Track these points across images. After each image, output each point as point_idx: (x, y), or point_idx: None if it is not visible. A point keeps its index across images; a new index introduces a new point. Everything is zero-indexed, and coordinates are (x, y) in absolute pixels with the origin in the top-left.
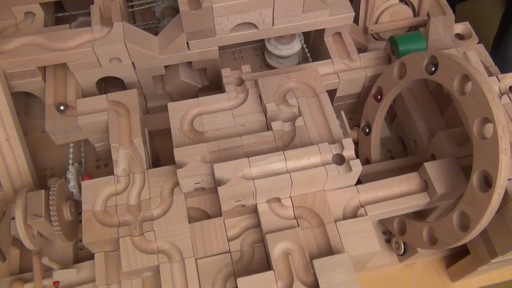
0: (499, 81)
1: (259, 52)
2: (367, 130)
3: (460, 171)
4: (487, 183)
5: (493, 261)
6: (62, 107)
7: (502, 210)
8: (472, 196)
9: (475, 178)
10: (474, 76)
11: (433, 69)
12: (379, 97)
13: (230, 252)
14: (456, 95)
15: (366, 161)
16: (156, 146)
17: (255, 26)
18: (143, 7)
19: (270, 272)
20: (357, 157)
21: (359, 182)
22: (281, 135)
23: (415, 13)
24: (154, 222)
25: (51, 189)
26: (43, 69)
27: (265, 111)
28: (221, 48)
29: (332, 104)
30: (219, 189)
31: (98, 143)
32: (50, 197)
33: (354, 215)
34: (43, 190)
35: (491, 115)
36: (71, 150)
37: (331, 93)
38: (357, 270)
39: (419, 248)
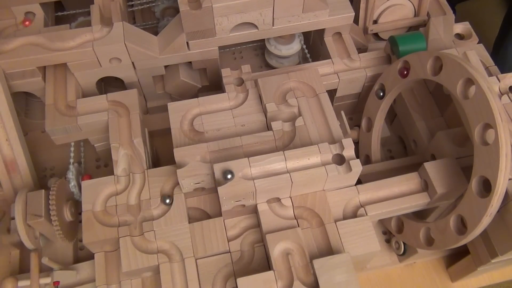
0: (499, 81)
1: (259, 52)
2: (381, 94)
3: (460, 171)
4: (464, 226)
5: (493, 261)
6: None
7: (502, 210)
8: (445, 228)
9: (452, 220)
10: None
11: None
12: (405, 72)
13: (230, 252)
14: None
15: (368, 120)
16: (156, 146)
17: (255, 26)
18: (143, 6)
19: (270, 272)
20: (362, 114)
21: (359, 182)
22: (281, 135)
23: (415, 13)
24: (154, 222)
25: (51, 189)
26: (43, 69)
27: (265, 111)
28: (221, 48)
29: (332, 104)
30: (219, 189)
31: (98, 143)
32: (50, 197)
33: (354, 215)
34: (43, 190)
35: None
36: (72, 149)
37: (331, 93)
38: (357, 270)
39: (419, 248)
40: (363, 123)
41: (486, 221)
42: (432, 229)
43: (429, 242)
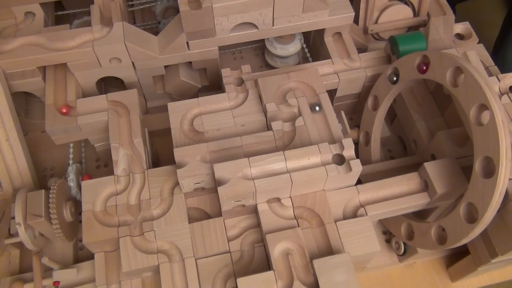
0: (499, 81)
1: (259, 52)
2: (394, 79)
3: (460, 171)
4: (445, 235)
5: (493, 261)
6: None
7: (502, 210)
8: (426, 232)
9: (434, 228)
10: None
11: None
12: (424, 68)
13: (230, 252)
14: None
15: (374, 99)
16: (156, 146)
17: (255, 26)
18: (143, 6)
19: (270, 272)
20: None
21: (359, 182)
22: (281, 135)
23: (415, 13)
24: (154, 222)
25: (51, 189)
26: (43, 69)
27: (265, 111)
28: (221, 48)
29: (332, 104)
30: (219, 189)
31: (98, 143)
32: (50, 197)
33: (354, 215)
34: (43, 190)
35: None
36: (71, 151)
37: (331, 93)
38: (357, 270)
39: (419, 248)
40: (370, 100)
41: (465, 241)
42: (414, 228)
43: (410, 236)
